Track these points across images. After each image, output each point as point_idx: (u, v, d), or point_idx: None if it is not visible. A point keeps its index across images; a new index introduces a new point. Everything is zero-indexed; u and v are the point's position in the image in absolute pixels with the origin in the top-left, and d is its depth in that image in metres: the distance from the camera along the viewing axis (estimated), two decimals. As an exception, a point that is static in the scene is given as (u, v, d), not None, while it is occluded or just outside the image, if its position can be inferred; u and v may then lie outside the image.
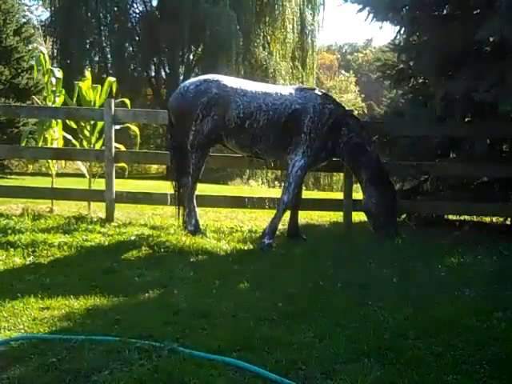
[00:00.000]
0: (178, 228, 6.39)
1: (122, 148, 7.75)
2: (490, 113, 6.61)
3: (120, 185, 7.63)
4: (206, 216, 7.72)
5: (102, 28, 23.80)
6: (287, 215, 6.40)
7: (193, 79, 6.54)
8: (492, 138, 7.26)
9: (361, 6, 7.21)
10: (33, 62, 13.94)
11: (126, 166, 8.45)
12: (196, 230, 6.18)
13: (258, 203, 7.16)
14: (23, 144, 8.51)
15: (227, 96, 5.98)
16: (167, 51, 23.98)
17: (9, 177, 14.82)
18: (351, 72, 41.27)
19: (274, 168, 7.03)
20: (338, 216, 7.26)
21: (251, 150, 6.20)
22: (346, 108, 6.67)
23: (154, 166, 23.88)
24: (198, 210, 6.35)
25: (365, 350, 3.12)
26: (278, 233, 6.60)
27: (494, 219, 7.60)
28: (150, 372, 2.81)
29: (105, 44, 24.33)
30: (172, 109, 6.27)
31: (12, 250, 5.33)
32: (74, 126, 8.20)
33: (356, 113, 8.03)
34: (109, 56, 24.37)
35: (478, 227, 7.05)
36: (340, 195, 7.25)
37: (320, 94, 6.26)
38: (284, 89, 6.36)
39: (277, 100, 6.05)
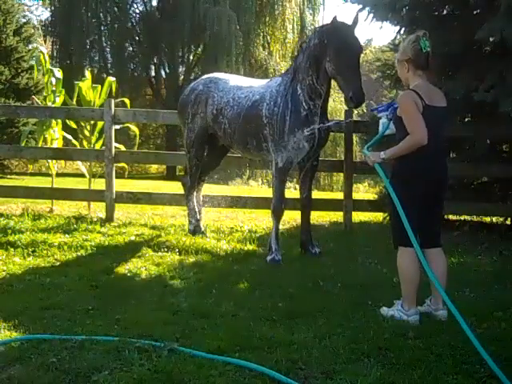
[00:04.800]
0: (178, 228, 6.39)
1: (122, 148, 7.75)
2: (490, 113, 6.60)
3: (120, 185, 7.64)
4: (206, 216, 7.71)
5: (102, 28, 23.75)
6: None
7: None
8: (492, 138, 7.25)
9: (361, 6, 7.19)
10: (33, 62, 13.92)
11: (126, 165, 8.46)
12: (196, 230, 6.16)
13: (257, 203, 7.15)
14: (23, 144, 8.52)
15: (208, 92, 5.80)
16: (167, 51, 23.93)
17: (9, 177, 14.81)
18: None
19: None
20: (338, 216, 7.25)
21: (233, 148, 5.92)
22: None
23: (154, 166, 23.86)
24: (198, 209, 6.32)
25: (365, 350, 3.12)
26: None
27: (494, 219, 7.58)
28: (150, 372, 2.80)
29: (105, 44, 24.27)
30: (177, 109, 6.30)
31: (12, 249, 5.34)
32: (74, 126, 8.22)
33: (356, 113, 7.99)
34: (109, 56, 24.32)
35: (478, 227, 7.04)
36: (340, 195, 7.24)
37: (285, 74, 5.34)
38: (260, 81, 5.85)
39: (244, 93, 5.50)
